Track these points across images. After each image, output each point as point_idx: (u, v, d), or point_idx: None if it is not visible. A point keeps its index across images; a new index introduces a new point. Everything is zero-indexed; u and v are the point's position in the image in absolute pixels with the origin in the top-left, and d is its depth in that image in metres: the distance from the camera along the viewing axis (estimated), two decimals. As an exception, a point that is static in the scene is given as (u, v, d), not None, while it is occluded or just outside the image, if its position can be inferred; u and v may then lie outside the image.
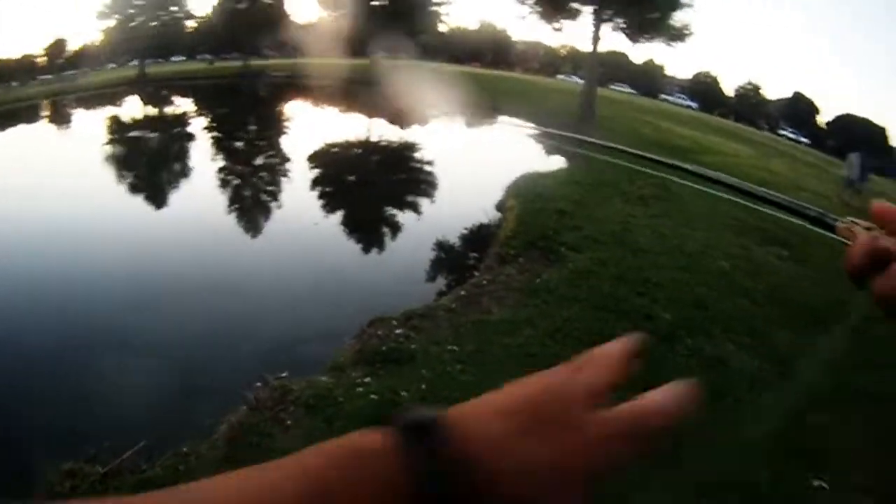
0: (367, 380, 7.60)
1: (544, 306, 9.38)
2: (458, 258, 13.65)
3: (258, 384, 7.94)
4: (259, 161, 27.65)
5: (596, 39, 33.11)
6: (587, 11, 32.93)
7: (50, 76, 79.57)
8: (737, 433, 6.57)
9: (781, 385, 7.77)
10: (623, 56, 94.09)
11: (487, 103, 37.36)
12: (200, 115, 47.36)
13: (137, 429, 7.16)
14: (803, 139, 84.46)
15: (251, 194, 21.09)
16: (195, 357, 9.67)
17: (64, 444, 7.02)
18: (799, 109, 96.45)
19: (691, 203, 16.41)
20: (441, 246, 14.28)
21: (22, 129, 44.84)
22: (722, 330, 9.12)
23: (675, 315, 9.39)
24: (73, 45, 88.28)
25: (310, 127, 38.03)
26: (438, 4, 61.57)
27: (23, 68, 79.81)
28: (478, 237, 14.59)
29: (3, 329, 11.15)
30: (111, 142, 32.93)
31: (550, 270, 10.89)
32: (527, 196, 15.95)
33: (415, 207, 18.75)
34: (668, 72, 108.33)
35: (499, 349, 8.11)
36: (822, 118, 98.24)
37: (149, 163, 28.22)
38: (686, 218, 14.98)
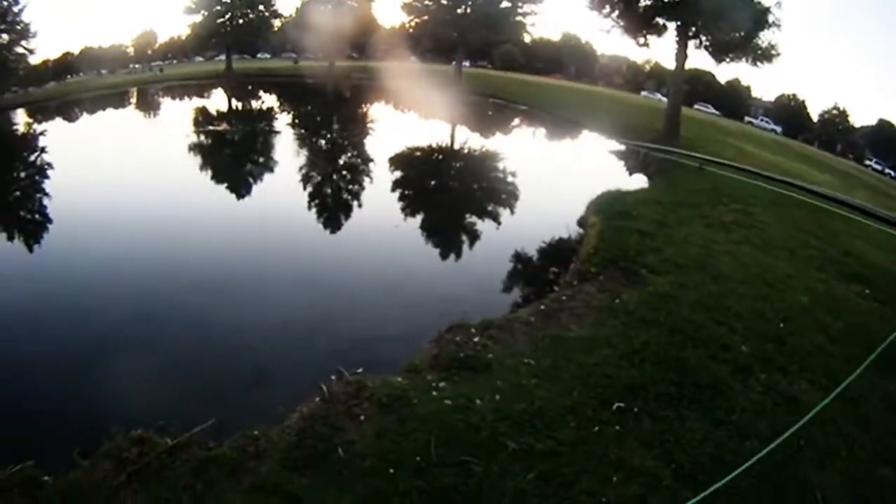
0: (443, 384, 7.71)
1: (622, 327, 9.34)
2: (538, 271, 13.74)
3: (333, 378, 8.14)
4: (342, 160, 28.05)
5: (681, 57, 32.66)
6: (672, 28, 32.57)
7: (138, 66, 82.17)
8: (804, 476, 6.55)
9: (853, 430, 7.67)
10: (708, 74, 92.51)
11: (571, 116, 37.10)
12: (285, 111, 48.13)
13: (209, 411, 7.44)
14: (889, 170, 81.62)
15: (332, 192, 21.46)
16: (273, 347, 9.97)
17: (138, 413, 7.30)
18: (885, 138, 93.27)
19: (773, 232, 16.16)
20: (521, 258, 14.34)
21: (111, 113, 46.32)
22: (798, 367, 8.97)
23: (752, 347, 9.25)
24: (161, 38, 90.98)
25: (392, 130, 38.35)
26: (524, 14, 61.34)
27: (113, 57, 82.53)
28: (558, 252, 14.63)
29: (97, 296, 11.74)
30: (197, 132, 33.75)
31: (630, 291, 10.85)
32: (609, 213, 15.85)
33: (495, 217, 18.88)
34: (754, 93, 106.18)
35: (575, 367, 8.11)
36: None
37: (233, 154, 28.89)
38: (767, 247, 14.75)
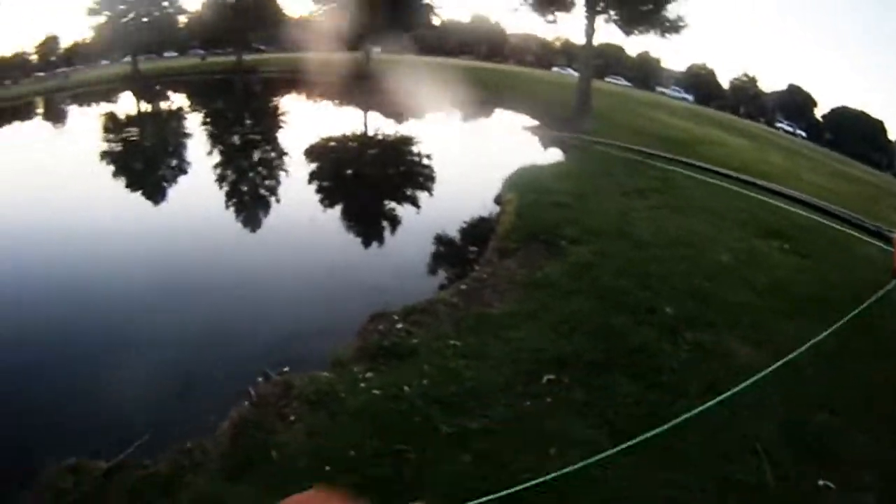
0: (370, 375, 7.58)
1: (547, 299, 9.32)
2: (458, 252, 13.63)
3: (260, 380, 7.94)
4: (256, 156, 27.59)
5: (590, 32, 32.95)
6: (581, 3, 32.86)
7: (43, 73, 79.63)
8: (741, 429, 6.59)
9: (785, 379, 7.75)
10: (619, 48, 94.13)
11: (482, 97, 37.28)
12: (195, 110, 47.26)
13: (140, 425, 7.18)
14: (800, 132, 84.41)
15: (248, 190, 21.07)
16: (196, 353, 9.65)
17: (66, 440, 7.01)
18: (795, 102, 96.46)
19: (691, 195, 16.39)
20: (440, 240, 14.24)
21: (17, 126, 44.81)
22: (725, 323, 9.09)
23: (678, 308, 9.34)
24: (65, 43, 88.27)
25: (305, 122, 37.90)
26: (431, -2, 61.47)
27: (16, 66, 79.87)
28: (477, 231, 14.56)
29: (9, 327, 11.18)
30: (107, 139, 32.88)
31: (551, 263, 10.83)
32: (525, 189, 15.90)
33: (413, 201, 18.70)
34: (664, 64, 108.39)
35: (502, 343, 8.06)
36: (819, 111, 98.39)
37: (145, 159, 28.18)
38: (686, 211, 14.95)
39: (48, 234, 15.71)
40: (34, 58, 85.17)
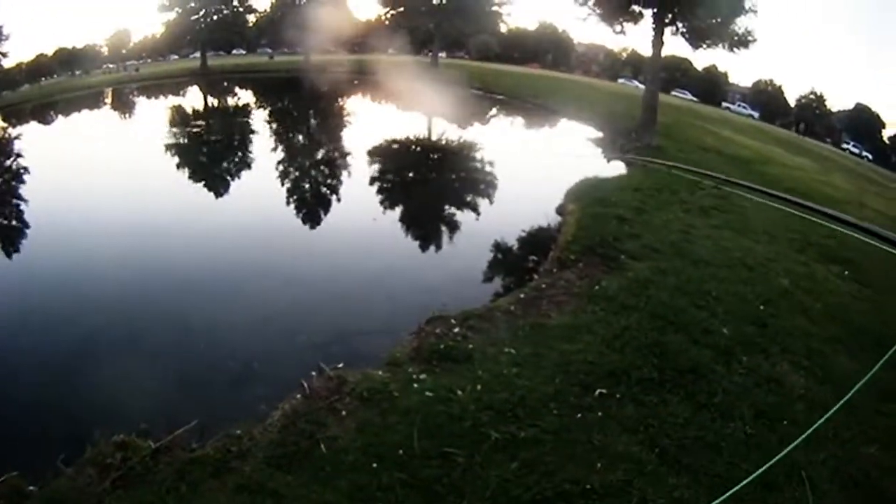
0: (423, 376, 7.68)
1: (603, 314, 9.35)
2: (518, 260, 13.67)
3: (314, 373, 8.10)
4: (319, 154, 27.92)
5: (657, 44, 32.65)
6: (648, 15, 32.53)
7: (113, 65, 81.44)
8: (790, 457, 6.57)
9: (837, 410, 7.72)
10: (685, 61, 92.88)
11: (548, 105, 37.15)
12: (261, 107, 47.87)
13: (191, 411, 7.38)
14: (866, 153, 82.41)
15: (311, 187, 21.37)
16: (253, 344, 9.90)
17: (118, 419, 7.22)
18: (862, 122, 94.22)
19: (753, 216, 16.24)
20: (501, 247, 14.33)
21: (86, 115, 45.94)
22: (780, 349, 9.05)
23: (734, 330, 9.31)
24: (135, 37, 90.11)
25: (370, 123, 38.22)
26: (499, 4, 61.29)
27: (87, 57, 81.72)
28: (538, 240, 14.57)
29: (74, 305, 11.60)
30: (173, 130, 33.51)
31: (609, 277, 10.87)
32: (587, 201, 15.91)
33: (474, 207, 18.87)
34: (731, 79, 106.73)
35: (556, 354, 8.11)
36: (887, 132, 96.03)
37: (210, 153, 28.70)
38: (747, 231, 14.83)
39: (110, 223, 16.20)
40: (105, 50, 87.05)
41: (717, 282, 11.13)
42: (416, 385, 7.49)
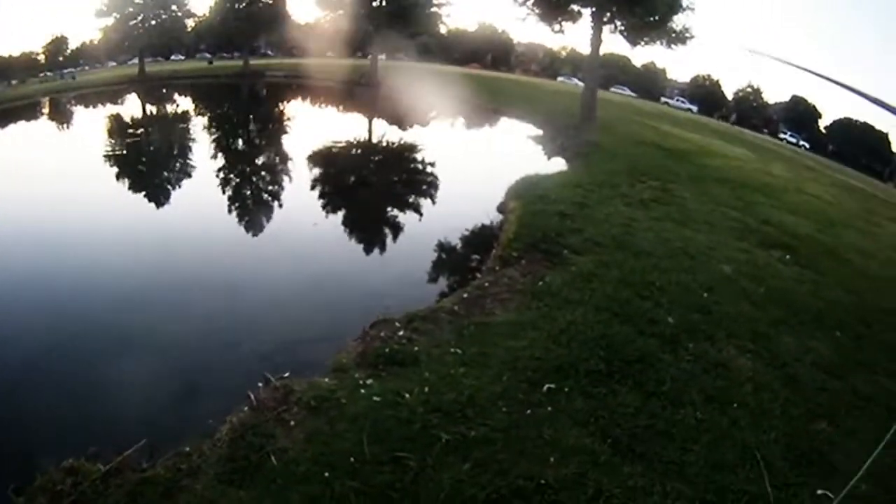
0: (370, 382, 7.57)
1: (547, 309, 9.32)
2: (460, 260, 13.63)
3: (260, 385, 7.95)
4: (259, 160, 27.67)
5: (596, 42, 33.03)
6: (587, 14, 32.87)
7: (50, 73, 79.92)
8: (741, 439, 6.61)
9: (784, 389, 7.80)
10: (624, 58, 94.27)
11: (487, 105, 37.33)
12: (200, 113, 47.36)
13: (138, 428, 7.17)
14: (804, 143, 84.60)
15: (252, 193, 21.13)
16: (195, 358, 9.67)
17: (64, 442, 7.05)
18: (799, 113, 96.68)
19: (693, 206, 16.43)
20: (443, 247, 14.25)
21: (22, 126, 44.92)
22: (725, 334, 9.14)
23: (679, 318, 9.39)
24: (72, 43, 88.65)
25: (310, 127, 37.96)
26: (438, 6, 61.44)
27: (22, 66, 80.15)
28: (480, 239, 14.58)
29: (11, 326, 11.24)
30: (112, 140, 32.94)
31: (553, 273, 10.83)
32: (528, 198, 15.90)
33: (416, 209, 18.77)
34: (670, 75, 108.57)
35: (502, 352, 8.06)
36: (823, 122, 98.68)
37: (149, 161, 28.22)
38: (687, 221, 14.98)
39: (44, 234, 15.77)
40: (41, 58, 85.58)
41: (659, 272, 11.21)
42: (362, 391, 7.37)
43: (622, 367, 7.78)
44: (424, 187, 21.51)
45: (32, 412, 8.47)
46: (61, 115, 49.64)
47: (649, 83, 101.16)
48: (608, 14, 31.97)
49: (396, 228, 16.66)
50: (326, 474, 5.95)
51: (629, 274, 10.91)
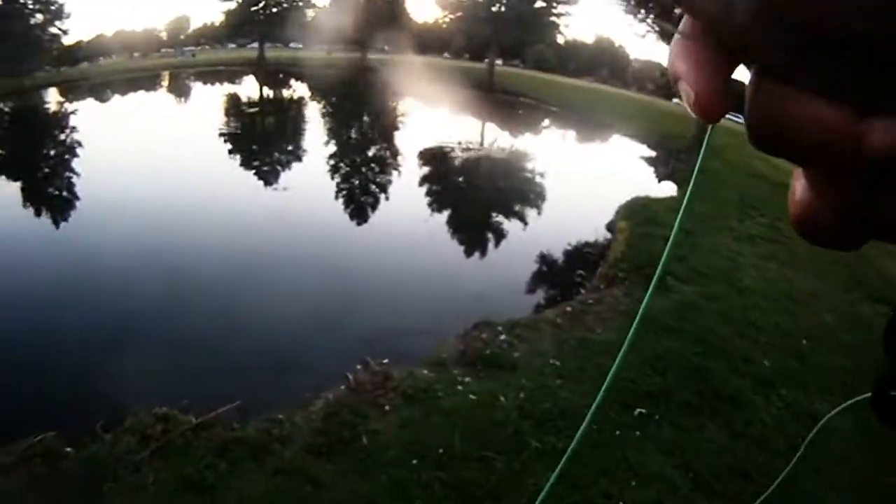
0: (468, 380, 7.82)
1: (646, 333, 9.34)
2: (565, 274, 13.73)
3: (359, 367, 8.28)
4: (370, 152, 28.14)
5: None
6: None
7: (171, 50, 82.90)
8: (818, 492, 6.54)
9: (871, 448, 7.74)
10: (741, 84, 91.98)
11: (601, 120, 37.02)
12: (315, 100, 48.19)
13: (235, 391, 7.64)
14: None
15: (360, 183, 21.60)
16: (299, 333, 10.14)
17: (160, 392, 7.53)
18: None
19: (800, 249, 16.13)
20: (548, 259, 14.44)
21: (142, 95, 46.78)
22: (818, 386, 8.99)
23: (774, 362, 9.30)
24: (194, 24, 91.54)
25: (422, 125, 38.31)
26: (558, 15, 61.06)
27: (145, 40, 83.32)
28: (586, 255, 14.62)
29: (124, 275, 11.95)
30: (227, 118, 33.91)
31: (656, 298, 10.81)
32: (637, 219, 15.90)
33: (522, 217, 18.95)
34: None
35: (599, 370, 8.17)
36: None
37: (263, 141, 29.02)
38: (794, 263, 14.72)
39: (162, 202, 16.57)
40: (164, 35, 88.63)
41: (760, 312, 11.08)
42: (460, 387, 7.63)
43: (713, 402, 7.79)
44: (532, 196, 21.63)
45: (136, 362, 9.04)
46: (179, 90, 51.63)
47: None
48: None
49: (502, 234, 16.94)
50: (415, 462, 6.22)
51: (730, 309, 10.84)
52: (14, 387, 8.70)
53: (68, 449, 6.62)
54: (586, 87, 69.56)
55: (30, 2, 56.03)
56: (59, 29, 57.17)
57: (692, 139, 32.82)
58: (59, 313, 10.94)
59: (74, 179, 22.27)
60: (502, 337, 9.06)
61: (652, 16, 33.16)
